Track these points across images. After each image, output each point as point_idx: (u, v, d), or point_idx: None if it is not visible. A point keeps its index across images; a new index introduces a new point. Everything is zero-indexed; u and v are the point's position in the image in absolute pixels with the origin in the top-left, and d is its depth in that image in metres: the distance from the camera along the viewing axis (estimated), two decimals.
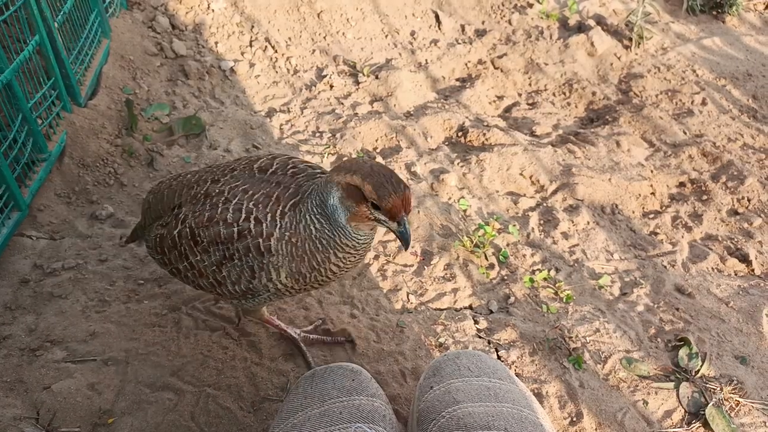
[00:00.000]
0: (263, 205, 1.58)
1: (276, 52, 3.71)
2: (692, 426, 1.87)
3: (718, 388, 1.95)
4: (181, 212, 1.69)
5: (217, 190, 1.65)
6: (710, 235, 2.66)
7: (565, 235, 2.57)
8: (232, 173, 1.70)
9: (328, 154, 2.94)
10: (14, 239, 2.29)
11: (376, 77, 3.59)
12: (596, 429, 1.84)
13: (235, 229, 1.57)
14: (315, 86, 3.53)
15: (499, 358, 2.04)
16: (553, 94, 3.72)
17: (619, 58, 3.94)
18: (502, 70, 3.81)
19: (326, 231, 1.54)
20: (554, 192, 2.81)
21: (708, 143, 3.19)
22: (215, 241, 1.60)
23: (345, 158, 1.53)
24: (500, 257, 2.42)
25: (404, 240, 1.48)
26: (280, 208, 1.57)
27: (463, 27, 4.15)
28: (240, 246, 1.57)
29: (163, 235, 1.73)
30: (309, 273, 1.60)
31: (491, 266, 2.39)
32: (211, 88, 3.40)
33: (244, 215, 1.57)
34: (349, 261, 1.61)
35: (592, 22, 4.12)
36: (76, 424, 1.73)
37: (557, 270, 2.39)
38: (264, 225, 1.56)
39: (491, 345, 2.08)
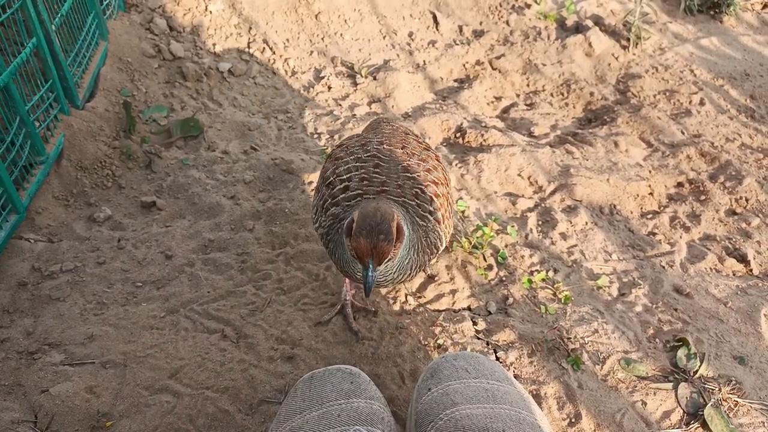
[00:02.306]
0: (366, 184, 1.76)
1: (274, 53, 3.71)
2: (691, 426, 1.87)
3: (717, 389, 1.95)
4: (348, 140, 2.02)
5: (369, 148, 1.90)
6: (708, 235, 2.66)
7: (564, 236, 2.57)
8: (393, 150, 1.91)
9: (326, 156, 2.94)
10: (12, 242, 2.29)
11: (374, 78, 3.59)
12: (595, 430, 1.84)
13: (331, 179, 1.83)
14: (313, 87, 3.53)
15: (497, 359, 2.04)
16: (551, 95, 3.72)
17: (616, 59, 3.95)
18: (500, 71, 3.82)
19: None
20: (552, 193, 2.81)
21: (706, 143, 3.19)
22: (322, 175, 1.92)
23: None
24: (499, 258, 2.42)
25: (365, 284, 1.51)
26: (365, 196, 1.73)
27: (460, 28, 4.15)
28: (323, 189, 1.85)
29: (335, 145, 2.12)
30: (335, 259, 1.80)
31: (490, 267, 2.39)
32: (209, 89, 3.40)
33: (345, 176, 1.81)
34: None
35: (589, 23, 4.13)
36: (74, 427, 1.73)
37: (555, 271, 2.39)
38: (338, 188, 1.78)
39: (490, 346, 2.08)
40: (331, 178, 1.84)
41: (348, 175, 1.81)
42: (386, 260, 1.54)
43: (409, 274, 1.75)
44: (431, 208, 1.80)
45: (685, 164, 3.09)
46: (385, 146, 1.92)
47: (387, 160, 1.86)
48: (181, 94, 3.29)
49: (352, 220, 1.54)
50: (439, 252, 1.89)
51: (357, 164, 1.84)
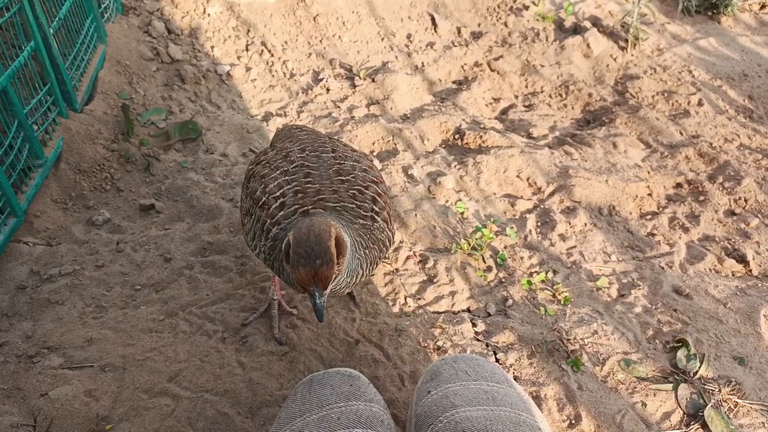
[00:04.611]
0: (301, 197, 1.67)
1: (272, 55, 3.72)
2: (691, 427, 1.86)
3: (717, 390, 1.95)
4: (264, 155, 1.91)
5: (293, 158, 1.81)
6: (707, 235, 2.66)
7: (563, 237, 2.57)
8: (320, 155, 1.82)
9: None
10: (11, 246, 2.29)
11: (373, 80, 3.59)
12: (595, 431, 1.83)
13: (264, 198, 1.71)
14: (311, 90, 3.53)
15: (497, 360, 2.04)
16: (550, 96, 3.73)
17: (615, 60, 3.95)
18: (498, 72, 3.82)
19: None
20: (551, 194, 2.81)
21: (704, 144, 3.19)
22: (251, 196, 1.78)
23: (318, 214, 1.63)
24: (498, 260, 2.42)
25: (315, 312, 1.47)
26: (302, 210, 1.64)
27: (459, 29, 4.15)
28: (257, 211, 1.72)
29: (251, 161, 1.96)
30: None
31: (489, 269, 2.39)
32: (207, 92, 3.40)
33: (278, 193, 1.69)
34: None
35: (587, 24, 4.13)
36: (74, 431, 1.73)
37: (555, 272, 2.39)
38: (274, 207, 1.67)
39: (489, 348, 2.08)
40: (264, 198, 1.71)
41: (281, 191, 1.70)
42: (331, 282, 1.47)
43: (362, 274, 1.67)
44: (376, 208, 1.73)
45: (683, 165, 3.10)
46: (308, 153, 1.83)
47: (316, 166, 1.78)
48: (180, 96, 3.29)
49: (288, 245, 1.47)
50: (389, 251, 1.82)
51: (287, 178, 1.74)
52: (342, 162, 1.81)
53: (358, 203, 1.70)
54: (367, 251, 1.67)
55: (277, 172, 1.76)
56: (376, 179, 1.81)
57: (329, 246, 1.43)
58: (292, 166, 1.77)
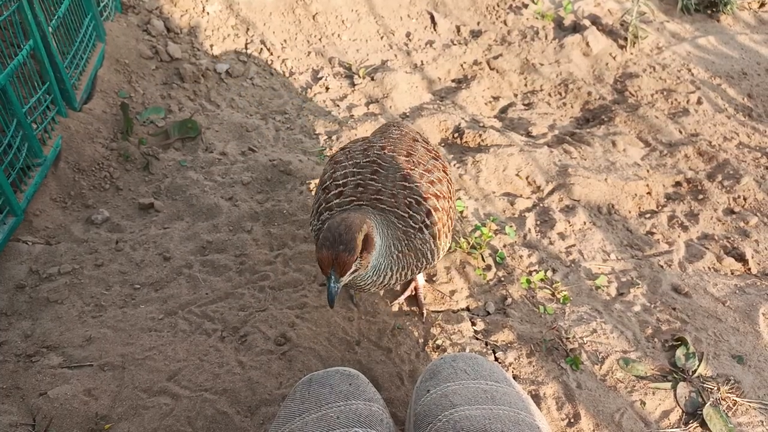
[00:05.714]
0: (361, 191, 1.77)
1: (271, 54, 3.71)
2: (690, 426, 1.87)
3: (716, 388, 1.95)
4: (354, 143, 2.03)
5: (369, 153, 1.90)
6: (706, 234, 2.67)
7: (562, 236, 2.57)
8: (396, 156, 1.89)
9: (324, 156, 2.94)
10: (10, 244, 2.28)
11: (372, 79, 3.59)
12: (594, 430, 1.84)
13: (328, 183, 1.84)
14: (311, 88, 3.53)
15: (496, 359, 2.04)
16: (549, 95, 3.72)
17: (614, 58, 3.95)
18: (497, 71, 3.82)
19: None
20: (550, 192, 2.81)
21: (704, 142, 3.19)
22: (321, 177, 1.93)
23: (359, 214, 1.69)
24: (497, 258, 2.42)
25: (327, 295, 1.54)
26: (356, 203, 1.75)
27: (458, 28, 4.15)
28: (320, 192, 1.87)
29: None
30: None
31: (488, 267, 2.39)
32: (206, 90, 3.40)
33: (341, 182, 1.81)
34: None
35: (587, 22, 4.13)
36: (73, 430, 1.73)
37: (554, 271, 2.39)
38: (332, 193, 1.79)
39: (488, 346, 2.08)
40: (328, 182, 1.85)
41: (344, 180, 1.82)
42: (350, 272, 1.54)
43: (391, 276, 1.73)
44: (428, 222, 1.78)
45: (683, 163, 3.10)
46: (386, 152, 1.90)
47: (386, 166, 1.85)
48: (179, 95, 3.29)
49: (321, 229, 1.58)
50: (431, 264, 1.87)
51: (355, 170, 1.84)
52: (413, 168, 1.87)
53: (411, 212, 1.76)
54: (400, 256, 1.72)
55: (349, 162, 1.87)
56: (439, 193, 1.85)
57: (355, 237, 1.52)
58: (365, 160, 1.86)
